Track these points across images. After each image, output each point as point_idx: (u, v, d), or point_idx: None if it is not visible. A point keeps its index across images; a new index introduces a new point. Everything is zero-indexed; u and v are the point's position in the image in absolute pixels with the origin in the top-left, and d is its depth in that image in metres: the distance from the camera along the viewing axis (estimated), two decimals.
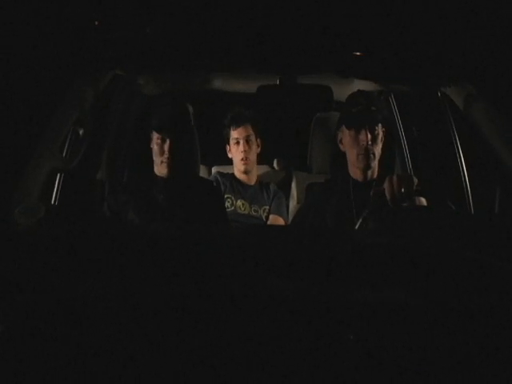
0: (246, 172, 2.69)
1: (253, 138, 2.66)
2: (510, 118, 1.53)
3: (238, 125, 2.65)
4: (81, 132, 1.84)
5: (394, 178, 1.53)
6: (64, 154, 1.88)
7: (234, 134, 2.66)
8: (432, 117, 2.33)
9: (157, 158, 1.96)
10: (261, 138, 2.72)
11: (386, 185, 1.54)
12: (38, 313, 0.78)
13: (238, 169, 2.71)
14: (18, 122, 1.44)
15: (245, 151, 2.64)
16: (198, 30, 1.46)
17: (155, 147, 1.95)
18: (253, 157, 2.69)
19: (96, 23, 1.38)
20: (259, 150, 2.73)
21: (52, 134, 1.59)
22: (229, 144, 2.72)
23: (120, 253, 1.03)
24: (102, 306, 0.81)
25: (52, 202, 2.03)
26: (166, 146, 1.91)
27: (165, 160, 1.92)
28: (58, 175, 2.06)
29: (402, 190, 1.50)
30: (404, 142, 2.61)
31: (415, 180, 1.55)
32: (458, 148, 2.28)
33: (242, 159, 2.65)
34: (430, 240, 1.19)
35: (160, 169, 1.97)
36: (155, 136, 1.94)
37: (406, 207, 1.53)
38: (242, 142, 2.64)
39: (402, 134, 2.61)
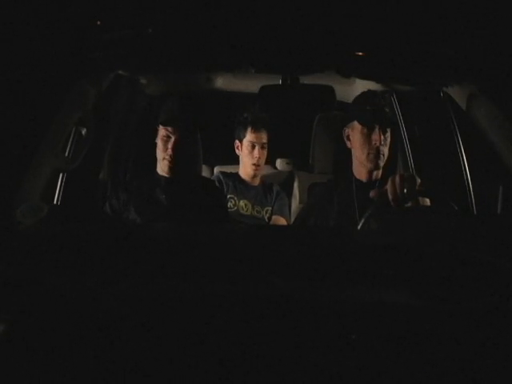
0: (254, 176, 2.70)
1: (266, 145, 2.68)
2: None
3: (257, 129, 2.64)
4: (83, 132, 1.84)
5: (397, 178, 1.52)
6: (66, 154, 1.88)
7: (252, 136, 2.65)
8: (434, 116, 2.32)
9: (160, 154, 1.97)
10: (270, 145, 2.74)
11: (388, 185, 1.54)
12: (40, 312, 0.79)
13: (246, 171, 2.72)
14: (20, 122, 1.44)
15: (259, 158, 2.65)
16: (200, 30, 1.46)
17: (159, 142, 1.96)
18: (263, 163, 2.71)
19: (98, 23, 1.39)
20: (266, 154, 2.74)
21: (54, 134, 1.59)
22: (241, 142, 2.71)
23: (122, 252, 1.03)
24: (103, 306, 0.81)
25: (54, 202, 2.04)
26: (171, 142, 1.91)
27: (167, 157, 1.93)
28: (61, 175, 2.07)
29: (405, 190, 1.49)
30: (406, 141, 2.61)
31: (418, 180, 1.54)
32: (460, 147, 2.27)
33: (254, 164, 2.66)
34: (432, 240, 1.18)
35: (162, 166, 1.97)
36: (161, 131, 1.95)
37: (408, 207, 1.53)
38: (257, 147, 2.64)
39: (404, 133, 2.61)
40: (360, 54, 1.57)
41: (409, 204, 1.52)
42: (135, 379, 0.64)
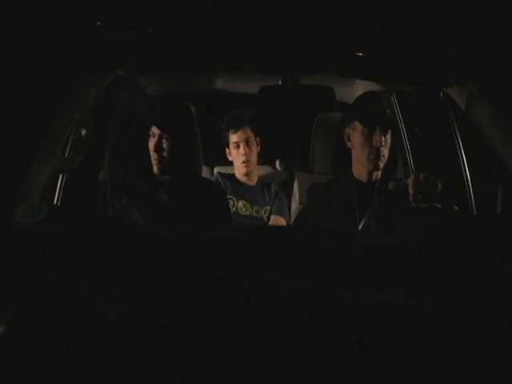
0: (247, 174, 2.70)
1: (252, 139, 2.67)
2: None
3: (236, 128, 2.65)
4: (83, 132, 1.84)
5: (421, 176, 1.52)
6: (66, 155, 1.88)
7: (234, 137, 2.66)
8: (434, 117, 2.32)
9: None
10: (260, 137, 2.73)
11: (410, 180, 1.53)
12: (39, 313, 0.79)
13: (239, 171, 2.72)
14: (20, 122, 1.44)
15: (245, 154, 2.64)
16: (200, 31, 1.46)
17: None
18: (253, 158, 2.69)
19: (98, 23, 1.38)
20: (259, 148, 2.73)
21: (54, 134, 1.59)
22: (228, 147, 2.72)
23: (122, 253, 1.03)
24: (103, 306, 0.81)
25: (54, 203, 2.03)
26: (153, 142, 1.91)
27: (153, 157, 1.92)
28: (61, 176, 2.07)
29: (427, 191, 1.49)
30: (406, 141, 2.60)
31: (439, 184, 1.54)
32: (460, 148, 2.27)
33: (244, 162, 2.65)
34: (432, 240, 1.18)
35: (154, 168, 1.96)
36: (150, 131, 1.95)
37: (408, 207, 1.53)
38: (242, 145, 2.64)
39: (404, 133, 2.61)
40: (360, 54, 1.57)
41: (426, 205, 1.52)
42: (135, 379, 0.64)
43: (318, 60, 1.68)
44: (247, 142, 2.65)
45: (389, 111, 1.89)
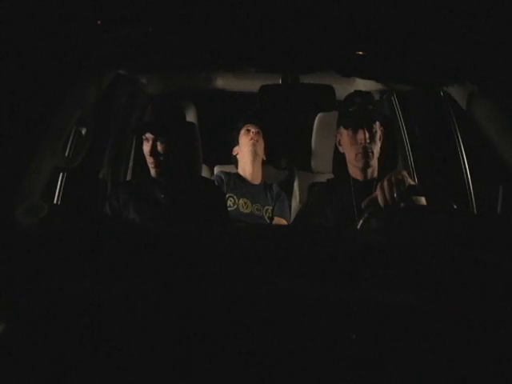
0: (253, 161, 2.73)
1: (261, 133, 2.80)
2: None
3: (252, 122, 2.80)
4: (83, 131, 1.84)
5: (385, 183, 1.51)
6: (66, 154, 1.88)
7: (247, 126, 2.79)
8: (434, 116, 2.33)
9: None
10: (266, 154, 2.84)
11: (377, 191, 1.53)
12: (39, 313, 0.79)
13: (244, 161, 2.76)
14: (20, 121, 1.44)
15: (255, 134, 2.76)
16: (201, 29, 1.46)
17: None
18: (260, 151, 2.77)
19: (98, 23, 1.38)
20: (264, 158, 2.81)
21: (54, 134, 1.59)
22: (238, 144, 2.79)
23: (122, 252, 1.03)
24: (103, 306, 0.81)
25: (54, 202, 2.04)
26: (148, 147, 1.92)
27: (150, 161, 1.93)
28: (61, 174, 2.07)
29: (395, 194, 1.48)
30: (406, 141, 2.61)
31: (408, 179, 1.54)
32: (460, 147, 2.28)
33: (252, 149, 2.74)
34: (431, 239, 1.18)
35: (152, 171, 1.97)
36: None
37: (408, 207, 1.53)
38: (252, 131, 2.76)
39: (404, 133, 2.61)
40: (360, 53, 1.56)
41: (402, 205, 1.52)
42: (135, 379, 0.65)
43: (319, 59, 1.68)
44: (258, 133, 2.77)
45: (371, 107, 1.90)
